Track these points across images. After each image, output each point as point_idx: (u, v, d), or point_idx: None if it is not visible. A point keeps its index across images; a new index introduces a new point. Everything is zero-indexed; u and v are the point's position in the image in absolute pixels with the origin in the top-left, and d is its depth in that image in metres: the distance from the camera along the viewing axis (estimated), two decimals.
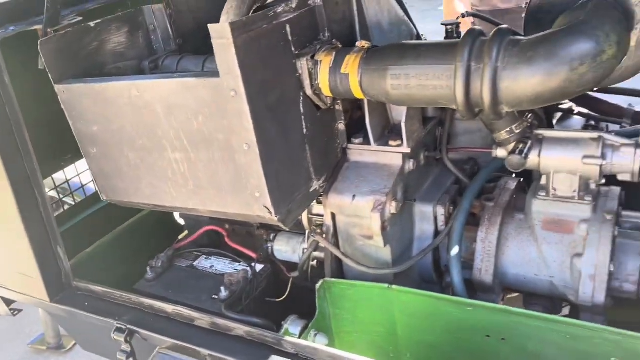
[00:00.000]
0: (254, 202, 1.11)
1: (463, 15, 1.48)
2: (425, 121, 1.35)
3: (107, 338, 1.27)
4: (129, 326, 1.22)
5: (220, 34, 0.96)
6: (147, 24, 1.44)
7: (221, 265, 1.46)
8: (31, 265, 1.34)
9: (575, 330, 1.04)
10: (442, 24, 1.37)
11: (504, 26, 0.99)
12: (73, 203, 1.73)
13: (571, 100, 1.56)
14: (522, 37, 0.96)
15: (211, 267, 1.46)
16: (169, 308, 1.22)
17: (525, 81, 0.93)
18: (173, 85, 1.08)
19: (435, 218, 1.33)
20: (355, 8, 1.22)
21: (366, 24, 1.25)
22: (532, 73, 0.92)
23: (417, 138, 1.28)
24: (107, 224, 1.70)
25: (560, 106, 1.59)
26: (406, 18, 1.35)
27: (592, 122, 1.55)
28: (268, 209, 1.10)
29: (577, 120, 1.61)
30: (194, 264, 1.49)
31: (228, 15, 1.13)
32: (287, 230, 1.26)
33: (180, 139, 1.13)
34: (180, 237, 1.61)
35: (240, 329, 1.12)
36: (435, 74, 1.01)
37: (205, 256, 1.51)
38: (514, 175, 1.44)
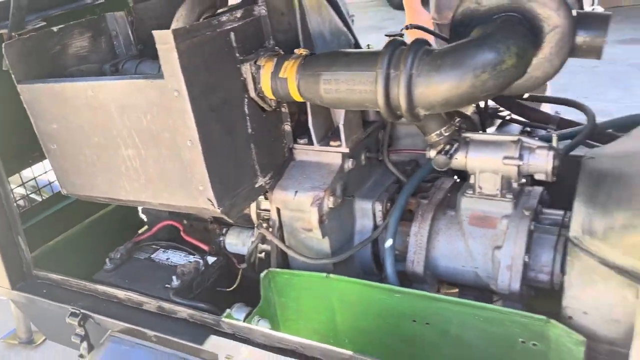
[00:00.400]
0: (199, 195, 1.20)
1: (407, 27, 1.59)
2: (367, 124, 1.45)
3: (64, 324, 1.35)
4: (82, 311, 1.30)
5: (164, 39, 1.06)
6: (110, 30, 1.54)
7: (177, 257, 1.55)
8: None
9: (488, 313, 1.14)
10: (385, 35, 1.48)
11: (421, 38, 1.10)
12: (40, 199, 1.81)
13: (508, 109, 1.68)
14: (435, 48, 1.07)
15: (167, 259, 1.55)
16: (121, 294, 1.31)
17: (436, 87, 1.03)
18: (124, 86, 1.18)
19: (374, 214, 1.43)
20: (298, 19, 1.32)
21: (309, 33, 1.35)
22: (442, 80, 1.02)
23: (357, 139, 1.38)
24: (74, 219, 1.78)
25: (500, 113, 1.71)
26: (345, 29, 1.46)
27: (528, 129, 1.67)
28: (211, 202, 1.19)
29: (516, 127, 1.73)
30: (152, 256, 1.58)
31: (177, 22, 1.24)
32: (232, 222, 1.36)
33: (132, 136, 1.23)
34: (140, 231, 1.70)
35: (184, 312, 1.21)
36: (361, 80, 1.11)
37: (162, 249, 1.60)
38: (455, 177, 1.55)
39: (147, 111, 1.17)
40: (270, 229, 1.39)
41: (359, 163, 1.42)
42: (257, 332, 1.13)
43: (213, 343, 1.14)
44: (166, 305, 1.23)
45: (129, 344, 1.23)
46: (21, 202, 1.81)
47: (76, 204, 1.74)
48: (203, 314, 1.19)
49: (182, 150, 1.17)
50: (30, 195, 1.85)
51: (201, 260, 1.49)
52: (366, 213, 1.43)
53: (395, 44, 1.09)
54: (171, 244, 1.60)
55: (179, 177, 1.21)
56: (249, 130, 1.28)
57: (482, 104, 1.60)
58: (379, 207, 1.42)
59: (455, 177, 1.53)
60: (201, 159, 1.14)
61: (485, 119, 1.57)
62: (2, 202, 1.41)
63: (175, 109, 1.12)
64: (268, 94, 1.26)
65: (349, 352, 1.05)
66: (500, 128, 1.73)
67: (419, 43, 1.07)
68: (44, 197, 1.82)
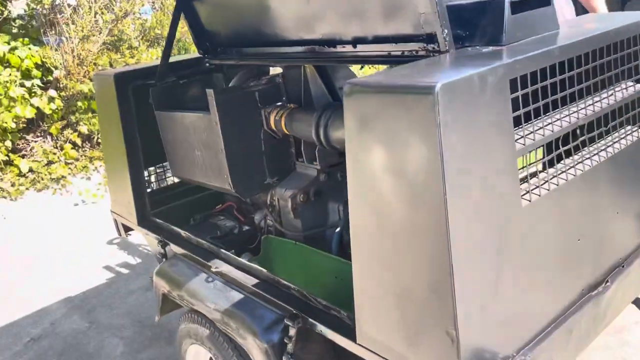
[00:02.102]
0: (224, 181, 2.13)
1: None
2: (342, 154, 2.24)
3: (155, 248, 2.38)
4: (164, 240, 2.31)
5: (210, 94, 2.01)
6: (214, 85, 2.57)
7: (228, 223, 2.49)
8: (131, 208, 2.51)
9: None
10: None
11: (336, 103, 1.89)
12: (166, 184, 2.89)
13: None
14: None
15: (224, 224, 2.51)
16: (184, 234, 2.28)
17: (338, 132, 1.82)
18: (196, 116, 2.16)
19: (339, 212, 2.20)
20: (302, 85, 2.19)
21: (310, 92, 2.20)
22: (339, 129, 1.81)
23: (330, 162, 2.18)
24: (183, 195, 2.83)
25: None
26: (326, 90, 2.24)
27: None
28: (230, 185, 2.11)
29: None
30: (217, 221, 2.54)
31: (232, 83, 2.20)
32: (247, 201, 2.27)
33: (198, 144, 2.21)
34: (217, 207, 2.68)
35: (211, 247, 2.12)
36: (308, 124, 1.95)
37: (224, 218, 2.56)
38: None
39: (204, 130, 2.14)
40: (272, 212, 2.26)
41: (335, 178, 2.21)
42: (234, 260, 1.99)
43: (214, 262, 2.03)
44: (203, 242, 2.16)
45: (180, 260, 2.19)
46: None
47: (184, 187, 2.77)
48: (216, 248, 2.10)
49: (218, 154, 2.11)
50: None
51: (237, 226, 2.42)
52: (334, 210, 2.22)
53: (324, 107, 1.91)
54: (228, 215, 2.55)
55: (216, 169, 2.15)
56: (262, 148, 2.18)
57: None
58: (341, 207, 2.19)
59: None
60: (225, 160, 2.07)
61: None
62: (140, 181, 2.49)
63: (214, 131, 2.07)
64: (275, 128, 2.15)
65: (276, 277, 1.85)
66: None
67: (334, 106, 1.87)
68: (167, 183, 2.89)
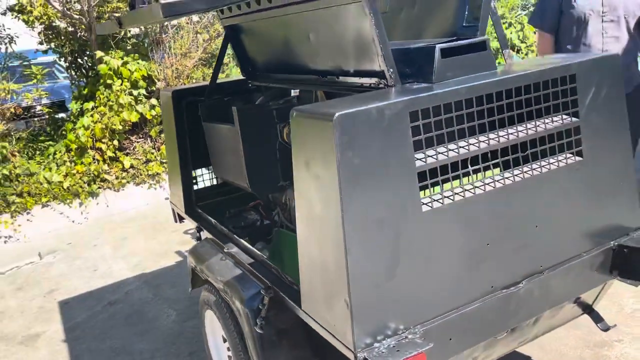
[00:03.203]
0: (243, 180, 2.62)
1: None
2: None
3: (194, 233, 2.93)
4: (200, 227, 2.86)
5: (233, 111, 2.53)
6: (254, 102, 3.09)
7: (253, 216, 2.99)
8: (181, 200, 3.10)
9: None
10: None
11: None
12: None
13: None
14: None
15: (252, 217, 3.01)
16: (217, 224, 2.80)
17: None
18: (226, 128, 2.68)
19: None
20: (312, 101, 2.64)
21: None
22: None
23: None
24: (225, 193, 3.37)
25: None
26: None
27: None
28: (247, 184, 2.60)
29: None
30: (247, 215, 3.05)
31: (256, 103, 2.71)
32: (269, 199, 2.76)
33: (227, 148, 2.73)
34: (251, 204, 3.20)
35: (232, 236, 2.62)
36: None
37: (253, 212, 3.06)
38: None
39: (232, 139, 2.65)
40: (284, 209, 2.73)
41: None
42: (242, 244, 2.48)
43: (228, 245, 2.53)
44: (224, 229, 2.68)
45: (208, 242, 2.72)
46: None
47: (228, 187, 3.32)
48: (232, 234, 2.60)
49: (239, 158, 2.61)
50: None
51: (260, 220, 2.91)
52: None
53: None
54: (256, 211, 3.05)
55: (239, 171, 2.65)
56: (277, 156, 2.65)
57: None
58: None
59: None
60: (243, 162, 2.57)
61: None
62: (189, 178, 3.08)
63: (237, 140, 2.58)
64: (287, 140, 2.61)
65: (265, 259, 2.31)
66: None
67: None
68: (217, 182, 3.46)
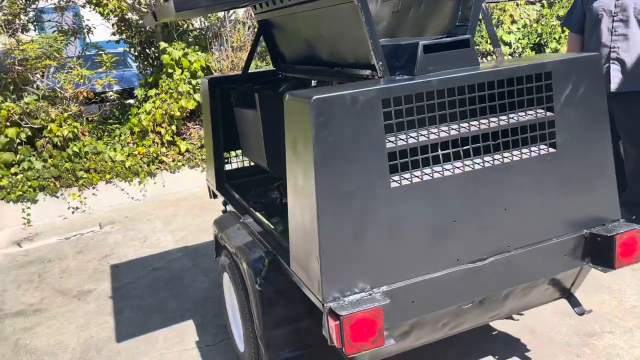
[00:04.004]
0: (263, 161, 2.93)
1: None
2: None
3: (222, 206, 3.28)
4: (226, 201, 3.19)
5: (256, 96, 2.83)
6: (282, 91, 3.38)
7: (275, 195, 3.29)
8: (213, 177, 3.45)
9: None
10: None
11: None
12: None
13: None
14: None
15: (274, 195, 3.31)
16: (236, 196, 3.12)
17: None
18: (251, 112, 2.99)
19: None
20: None
21: None
22: None
23: None
24: (251, 174, 3.69)
25: None
26: None
27: None
28: (265, 163, 2.90)
29: None
30: (269, 193, 3.36)
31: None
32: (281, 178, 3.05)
33: (252, 133, 3.04)
34: (275, 184, 3.50)
35: (252, 211, 2.94)
36: None
37: (276, 191, 3.36)
38: None
39: (255, 123, 2.96)
40: None
41: None
42: (255, 215, 2.79)
43: (245, 216, 2.84)
44: (244, 203, 2.99)
45: (231, 214, 3.05)
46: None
47: (258, 167, 3.64)
48: (249, 208, 2.91)
49: (259, 139, 2.91)
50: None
51: (279, 198, 3.21)
52: None
53: None
54: (278, 190, 3.35)
55: (260, 151, 2.96)
56: None
57: None
58: None
59: None
60: (263, 145, 2.87)
61: None
62: (220, 158, 3.42)
63: (259, 123, 2.88)
64: None
65: (270, 228, 2.60)
66: None
67: None
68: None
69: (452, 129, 1.99)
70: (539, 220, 2.14)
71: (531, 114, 2.09)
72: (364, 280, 1.91)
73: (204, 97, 3.49)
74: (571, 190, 2.18)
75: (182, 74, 6.65)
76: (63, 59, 6.62)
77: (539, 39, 8.57)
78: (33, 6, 7.12)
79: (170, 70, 6.61)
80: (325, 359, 2.37)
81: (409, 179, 1.93)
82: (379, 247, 1.92)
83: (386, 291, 1.92)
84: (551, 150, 2.12)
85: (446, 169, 1.98)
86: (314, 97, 1.78)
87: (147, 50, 7.49)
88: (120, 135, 6.76)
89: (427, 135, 1.95)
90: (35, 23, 7.41)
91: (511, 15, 8.63)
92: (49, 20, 7.66)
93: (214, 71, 6.89)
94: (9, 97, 6.35)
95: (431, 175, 1.96)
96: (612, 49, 3.41)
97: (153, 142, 6.67)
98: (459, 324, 2.26)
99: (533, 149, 2.10)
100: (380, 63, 2.11)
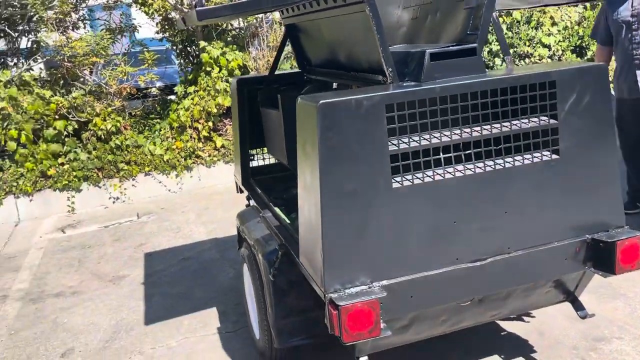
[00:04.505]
0: (283, 158, 3.07)
1: None
2: None
3: (246, 202, 3.45)
4: (250, 196, 3.36)
5: (279, 97, 2.98)
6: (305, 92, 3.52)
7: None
8: (239, 173, 3.62)
9: None
10: None
11: None
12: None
13: None
14: None
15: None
16: (259, 191, 3.28)
17: None
18: (275, 112, 3.14)
19: None
20: None
21: None
22: None
23: None
24: (275, 170, 3.84)
25: None
26: None
27: None
28: (286, 161, 3.05)
29: None
30: (291, 189, 3.50)
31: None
32: None
33: (275, 131, 3.19)
34: None
35: (266, 199, 3.10)
36: None
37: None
38: None
39: (278, 122, 3.11)
40: None
41: None
42: (273, 210, 2.94)
43: (265, 211, 3.00)
44: (265, 199, 3.15)
45: (253, 208, 3.22)
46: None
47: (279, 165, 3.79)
48: (269, 203, 3.06)
49: (281, 137, 3.06)
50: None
51: None
52: None
53: None
54: None
55: (281, 149, 3.11)
56: None
57: None
58: None
59: None
60: (284, 143, 3.01)
61: None
62: (246, 155, 3.59)
63: (280, 122, 3.03)
64: None
65: (285, 223, 2.74)
66: None
67: None
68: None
69: (455, 133, 2.08)
70: (540, 224, 2.21)
71: (534, 121, 2.16)
72: (365, 274, 2.03)
73: (232, 97, 3.66)
74: (574, 195, 2.24)
75: (219, 72, 6.88)
76: (109, 56, 6.94)
77: (580, 41, 8.43)
78: (83, 5, 7.49)
79: (208, 69, 6.86)
80: (333, 347, 2.50)
81: (411, 180, 2.04)
82: (379, 244, 2.03)
83: (385, 285, 2.04)
84: (554, 156, 2.19)
85: (448, 172, 2.08)
86: (321, 102, 1.91)
87: (188, 49, 7.77)
88: (160, 130, 7.05)
89: (429, 139, 2.05)
90: (85, 21, 7.80)
91: (551, 17, 8.52)
92: (98, 19, 8.04)
93: (250, 70, 7.10)
94: (59, 91, 6.72)
95: (432, 177, 2.06)
96: (634, 57, 3.43)
97: (190, 137, 6.93)
98: (459, 321, 2.35)
99: (536, 154, 2.17)
100: (390, 69, 2.22)
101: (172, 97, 8.17)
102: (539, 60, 8.33)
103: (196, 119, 6.88)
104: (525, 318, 3.07)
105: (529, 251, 2.20)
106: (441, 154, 2.07)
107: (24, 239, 5.67)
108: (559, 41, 8.40)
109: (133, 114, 7.27)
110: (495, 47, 8.26)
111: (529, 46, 8.28)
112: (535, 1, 3.13)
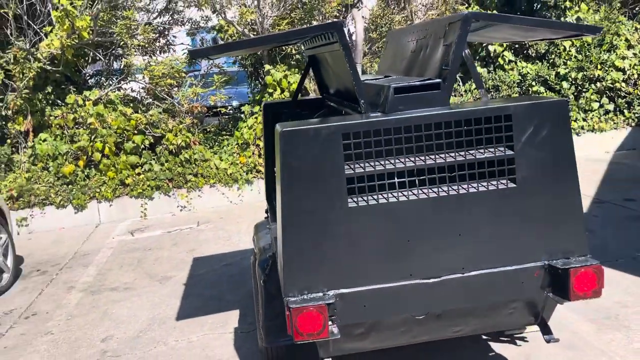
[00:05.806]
0: None
1: None
2: None
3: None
4: (267, 208, 3.70)
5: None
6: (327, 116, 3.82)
7: None
8: (264, 192, 3.97)
9: None
10: None
11: None
12: None
13: None
14: None
15: None
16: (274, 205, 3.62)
17: None
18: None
19: None
20: None
21: None
22: None
23: None
24: None
25: None
26: None
27: None
28: None
29: None
30: None
31: None
32: None
33: None
34: None
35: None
36: None
37: None
38: None
39: None
40: None
41: None
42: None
43: (273, 223, 3.32)
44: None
45: (267, 220, 3.55)
46: None
47: None
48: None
49: None
50: None
51: None
52: None
53: None
54: None
55: None
56: None
57: None
58: None
59: None
60: None
61: None
62: (271, 175, 3.94)
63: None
64: None
65: None
66: None
67: None
68: None
69: (411, 160, 2.29)
70: (495, 248, 2.35)
71: (491, 151, 2.32)
72: (321, 283, 2.29)
73: (263, 120, 4.05)
74: (531, 223, 2.35)
75: (281, 93, 7.35)
76: (182, 78, 7.64)
77: None
78: (167, 32, 8.31)
79: (271, 90, 7.35)
80: (315, 348, 2.76)
81: (366, 201, 2.28)
82: (336, 257, 2.28)
83: (338, 294, 2.28)
84: (510, 185, 2.33)
85: (403, 195, 2.29)
86: (283, 130, 2.22)
87: (258, 71, 8.34)
88: (228, 146, 7.63)
89: (384, 165, 2.28)
90: (170, 46, 8.62)
91: (627, 40, 8.20)
92: (182, 44, 8.84)
93: (310, 92, 7.51)
94: (140, 109, 7.51)
95: (387, 199, 2.28)
96: None
97: (253, 153, 7.44)
98: (421, 333, 2.52)
99: (493, 182, 2.32)
100: (362, 101, 2.48)
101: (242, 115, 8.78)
102: (612, 84, 8.04)
103: (259, 137, 7.38)
104: (517, 342, 3.14)
105: (484, 272, 2.35)
106: (396, 178, 2.29)
107: (100, 239, 6.39)
108: (635, 65, 8.06)
109: (208, 130, 7.92)
110: (562, 70, 8.11)
111: (600, 69, 8.03)
112: (521, 36, 3.22)
